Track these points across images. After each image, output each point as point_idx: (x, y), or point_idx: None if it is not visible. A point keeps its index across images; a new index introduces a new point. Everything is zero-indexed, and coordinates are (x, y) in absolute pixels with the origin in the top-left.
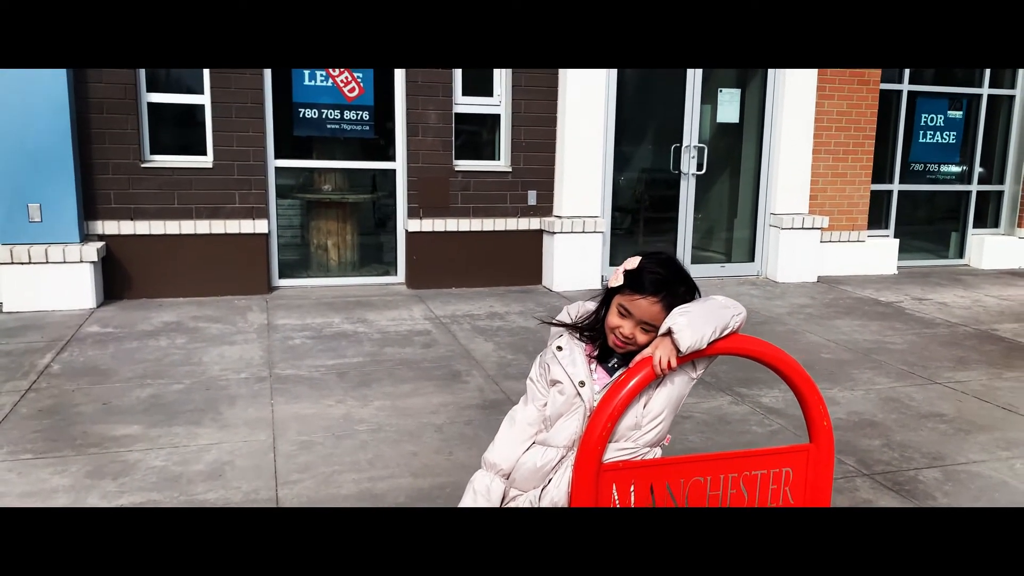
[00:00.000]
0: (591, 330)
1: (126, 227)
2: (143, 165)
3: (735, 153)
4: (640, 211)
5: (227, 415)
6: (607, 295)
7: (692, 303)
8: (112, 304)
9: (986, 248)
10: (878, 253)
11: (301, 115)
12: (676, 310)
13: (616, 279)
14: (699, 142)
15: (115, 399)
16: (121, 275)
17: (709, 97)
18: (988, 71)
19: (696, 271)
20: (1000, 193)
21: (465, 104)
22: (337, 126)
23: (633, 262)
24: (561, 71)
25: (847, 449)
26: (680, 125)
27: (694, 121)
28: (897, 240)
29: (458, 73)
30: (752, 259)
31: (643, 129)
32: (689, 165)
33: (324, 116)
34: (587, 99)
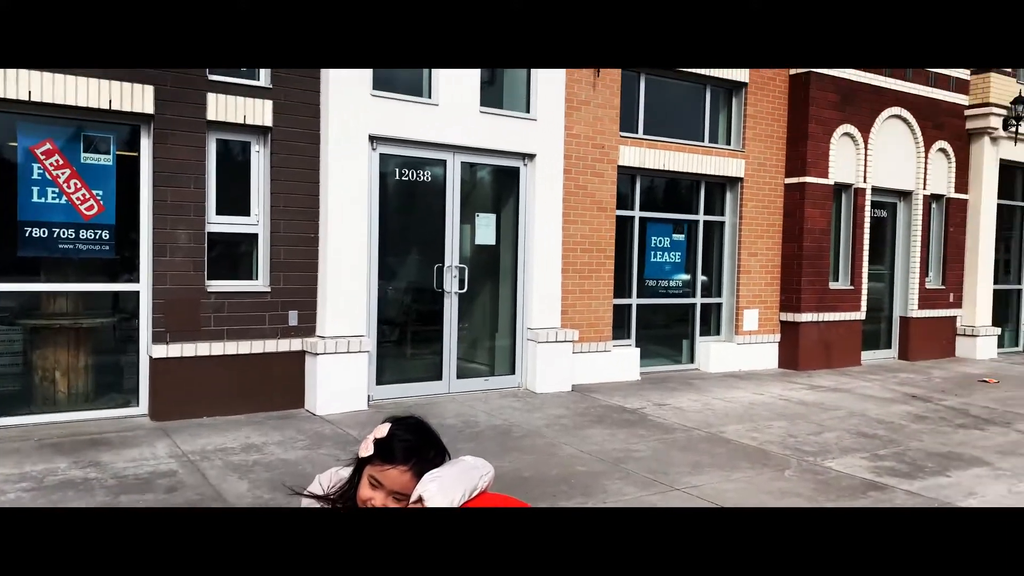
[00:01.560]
0: (344, 501)
1: None
2: None
3: (494, 272)
4: (408, 324)
5: None
6: (358, 464)
7: (442, 467)
8: None
9: (712, 353)
10: (623, 361)
11: (27, 234)
12: (427, 476)
13: (366, 448)
14: (460, 262)
15: None
16: None
17: (468, 219)
18: (703, 200)
19: (462, 385)
20: (720, 304)
21: (220, 223)
22: (71, 246)
23: (383, 430)
24: (321, 188)
25: None
26: (442, 246)
27: (455, 242)
28: (638, 349)
29: (212, 191)
30: (513, 371)
31: (408, 245)
32: (451, 284)
33: (56, 235)
34: (349, 218)
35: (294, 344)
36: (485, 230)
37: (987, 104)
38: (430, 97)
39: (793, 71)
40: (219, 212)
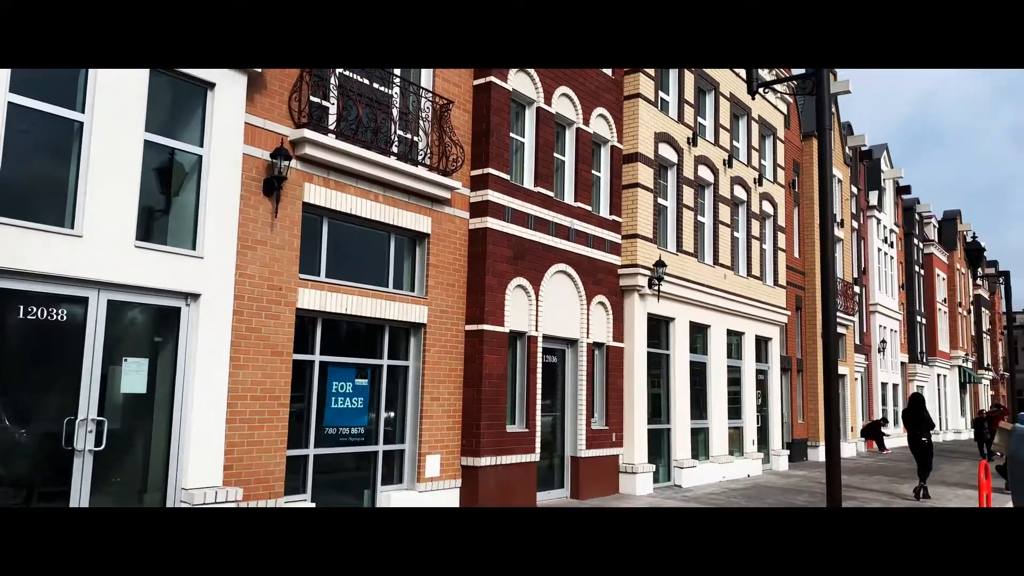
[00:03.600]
0: None
1: None
2: None
3: (145, 424)
4: (34, 488)
5: None
6: None
7: None
8: None
9: (392, 503)
10: None
11: None
12: None
13: None
14: (99, 414)
15: None
16: None
17: (116, 363)
18: (387, 345)
19: None
20: (403, 451)
21: None
22: None
23: None
24: None
25: None
26: (77, 395)
27: (93, 391)
28: (314, 504)
29: None
30: None
31: (34, 395)
32: (85, 439)
33: None
34: None
35: None
36: (134, 377)
37: (636, 265)
38: (73, 227)
39: (472, 225)
40: None
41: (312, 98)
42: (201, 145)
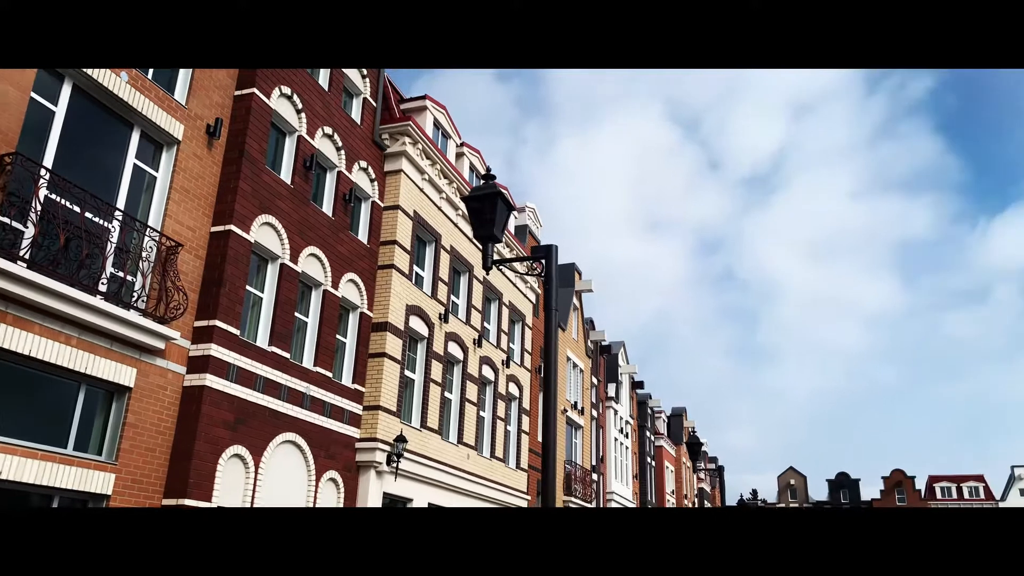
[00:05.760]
0: None
1: None
2: None
3: None
4: None
5: None
6: None
7: None
8: None
9: None
10: None
11: None
12: None
13: None
14: None
15: None
16: None
17: None
18: None
19: None
20: None
21: None
22: None
23: None
24: None
25: None
26: None
27: None
28: None
29: None
30: None
31: None
32: None
33: None
34: None
35: None
36: None
37: (375, 439)
38: None
39: (188, 382)
40: None
41: (2, 218)
42: None
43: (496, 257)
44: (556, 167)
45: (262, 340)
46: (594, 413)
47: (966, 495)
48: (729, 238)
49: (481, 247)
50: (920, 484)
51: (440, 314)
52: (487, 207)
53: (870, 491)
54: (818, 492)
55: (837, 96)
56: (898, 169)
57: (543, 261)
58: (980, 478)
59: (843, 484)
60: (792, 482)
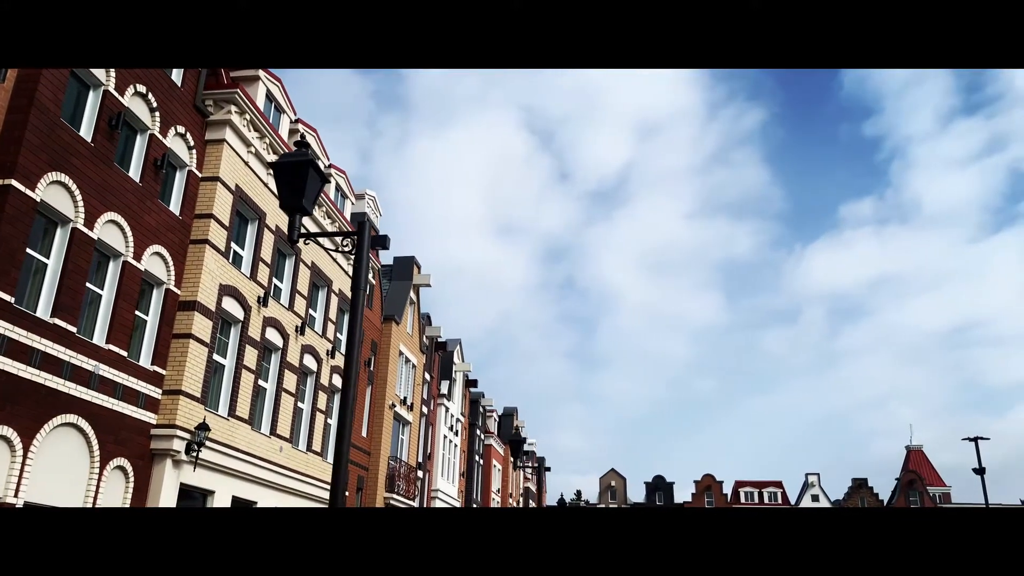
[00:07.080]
0: None
1: None
2: None
3: None
4: None
5: None
6: None
7: None
8: None
9: None
10: None
11: None
12: None
13: None
14: None
15: None
16: None
17: None
18: None
19: None
20: None
21: None
22: None
23: None
24: None
25: None
26: None
27: None
28: None
29: None
30: None
31: None
32: None
33: None
34: None
35: None
36: None
37: (173, 426)
38: None
39: None
40: None
41: None
42: None
43: (299, 232)
44: (411, 163)
45: (43, 311)
46: (424, 410)
47: (766, 499)
48: (573, 248)
49: (288, 218)
50: (727, 488)
51: (259, 297)
52: (297, 176)
53: (683, 494)
54: (636, 494)
55: (684, 118)
56: (728, 194)
57: (355, 238)
58: (779, 484)
59: (659, 487)
60: (613, 483)
